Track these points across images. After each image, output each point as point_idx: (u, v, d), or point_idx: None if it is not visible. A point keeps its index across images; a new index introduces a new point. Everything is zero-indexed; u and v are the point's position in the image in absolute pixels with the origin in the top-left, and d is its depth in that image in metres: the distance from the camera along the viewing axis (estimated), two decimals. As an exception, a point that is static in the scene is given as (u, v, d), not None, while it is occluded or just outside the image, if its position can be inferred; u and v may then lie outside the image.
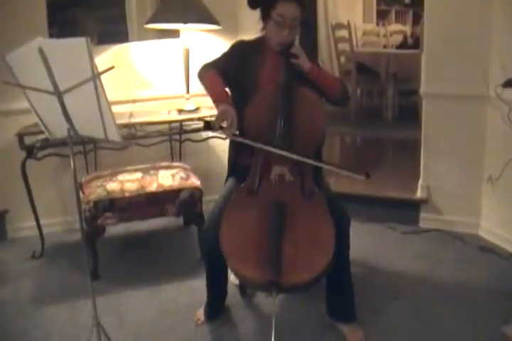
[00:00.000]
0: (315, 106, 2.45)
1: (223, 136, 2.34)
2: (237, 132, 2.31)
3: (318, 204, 2.33)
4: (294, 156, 2.28)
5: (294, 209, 2.29)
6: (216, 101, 2.41)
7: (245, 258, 2.22)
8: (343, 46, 7.01)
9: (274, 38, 2.49)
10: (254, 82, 2.53)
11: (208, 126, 2.28)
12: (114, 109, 1.96)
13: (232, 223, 2.31)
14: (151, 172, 3.31)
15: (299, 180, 2.39)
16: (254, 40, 2.65)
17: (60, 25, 3.60)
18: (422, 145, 3.79)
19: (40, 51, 1.83)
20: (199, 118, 3.46)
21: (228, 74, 2.55)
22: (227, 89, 2.52)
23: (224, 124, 2.27)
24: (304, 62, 2.46)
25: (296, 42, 2.59)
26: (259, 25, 2.55)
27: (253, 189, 2.39)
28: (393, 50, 8.20)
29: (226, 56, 2.62)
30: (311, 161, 2.35)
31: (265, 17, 2.48)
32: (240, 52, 2.61)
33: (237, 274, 2.33)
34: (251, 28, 2.59)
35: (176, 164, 3.57)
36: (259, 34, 2.61)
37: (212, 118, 2.39)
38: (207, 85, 2.55)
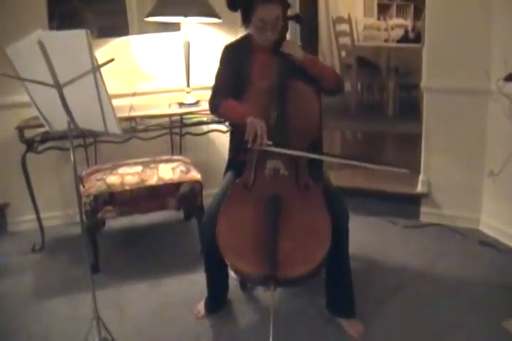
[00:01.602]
0: (308, 99, 2.45)
1: (260, 148, 2.31)
2: (270, 142, 2.29)
3: (314, 197, 2.33)
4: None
5: (290, 203, 2.29)
6: (243, 119, 2.34)
7: (242, 253, 2.22)
8: (344, 40, 6.99)
9: (258, 39, 2.49)
10: (246, 80, 2.52)
11: (245, 142, 2.28)
12: (115, 102, 1.96)
13: (228, 219, 2.31)
14: (152, 165, 3.31)
15: (293, 174, 2.38)
16: (242, 39, 2.64)
17: (60, 18, 3.58)
18: (423, 140, 3.78)
19: (40, 44, 1.82)
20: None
21: (231, 83, 2.55)
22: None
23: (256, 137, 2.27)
24: (297, 52, 2.44)
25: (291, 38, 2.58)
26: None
27: (248, 184, 2.39)
28: (394, 44, 8.16)
29: (221, 72, 2.60)
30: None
31: (246, 21, 2.47)
32: (230, 57, 2.60)
33: (235, 269, 2.33)
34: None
35: (176, 157, 3.57)
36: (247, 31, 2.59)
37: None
38: (225, 114, 2.54)
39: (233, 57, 2.58)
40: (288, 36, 2.64)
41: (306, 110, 2.44)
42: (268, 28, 2.40)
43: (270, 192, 2.31)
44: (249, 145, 2.30)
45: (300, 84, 2.44)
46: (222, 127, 3.62)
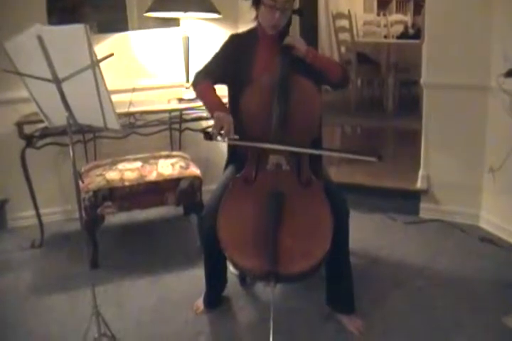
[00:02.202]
0: (311, 94, 2.43)
1: (225, 142, 2.34)
2: (237, 136, 2.31)
3: (315, 194, 2.33)
4: (294, 149, 2.28)
5: (292, 199, 2.28)
6: (211, 110, 2.41)
7: (243, 249, 2.22)
8: (344, 36, 6.99)
9: (266, 21, 2.47)
10: (249, 73, 2.51)
11: (208, 135, 2.30)
12: (114, 97, 1.96)
13: (229, 214, 2.30)
14: (151, 161, 3.30)
15: (295, 170, 2.37)
16: (247, 32, 2.64)
17: (60, 13, 3.57)
18: (423, 136, 3.77)
19: (39, 38, 1.81)
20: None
21: (224, 73, 2.56)
22: (222, 97, 2.52)
23: (222, 131, 2.28)
24: (300, 46, 2.43)
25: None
26: (253, 13, 2.54)
27: (250, 179, 2.39)
28: (394, 40, 8.16)
29: (219, 56, 2.61)
30: (311, 151, 2.34)
31: (256, 2, 2.47)
32: (233, 47, 2.60)
33: (235, 265, 2.33)
34: (251, 16, 2.57)
35: (175, 153, 3.56)
36: (253, 24, 2.60)
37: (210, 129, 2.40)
38: (201, 97, 2.58)
39: (236, 48, 2.58)
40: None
41: (308, 106, 2.43)
42: (278, 8, 2.38)
43: (272, 187, 2.29)
44: (214, 140, 2.32)
45: (302, 80, 2.42)
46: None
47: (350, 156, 2.35)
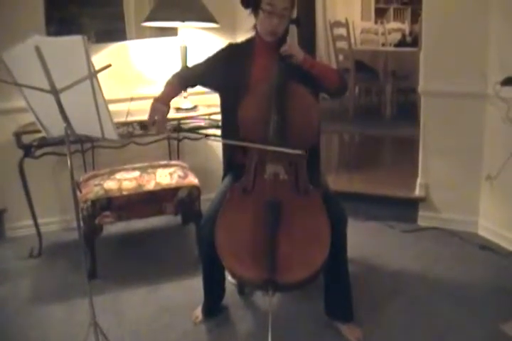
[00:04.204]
0: (308, 102, 2.42)
1: (155, 132, 2.39)
2: (172, 130, 2.34)
3: (313, 202, 2.32)
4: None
5: (289, 208, 2.28)
6: (153, 100, 2.46)
7: (241, 258, 2.22)
8: (342, 44, 7.01)
9: (264, 28, 2.47)
10: (246, 82, 2.51)
11: (145, 126, 2.34)
12: (112, 107, 1.97)
13: (226, 223, 2.30)
14: (149, 170, 3.31)
15: (293, 178, 2.37)
16: (244, 41, 2.65)
17: (58, 23, 3.59)
18: (421, 143, 3.78)
19: (37, 49, 1.82)
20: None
21: (210, 78, 2.59)
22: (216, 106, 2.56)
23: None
24: (297, 53, 2.41)
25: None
26: (251, 22, 2.54)
27: (247, 188, 2.39)
28: (392, 48, 8.19)
29: (209, 61, 2.62)
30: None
31: (255, 8, 2.46)
32: (227, 55, 2.60)
33: (233, 274, 2.33)
34: (248, 26, 2.58)
35: (173, 162, 3.56)
36: (251, 34, 2.61)
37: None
38: (164, 86, 2.60)
39: (231, 56, 2.58)
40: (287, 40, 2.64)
41: (306, 114, 2.42)
42: (276, 14, 2.39)
43: (270, 196, 2.29)
44: (148, 130, 2.35)
45: (299, 87, 2.41)
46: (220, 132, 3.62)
47: (277, 149, 2.32)
